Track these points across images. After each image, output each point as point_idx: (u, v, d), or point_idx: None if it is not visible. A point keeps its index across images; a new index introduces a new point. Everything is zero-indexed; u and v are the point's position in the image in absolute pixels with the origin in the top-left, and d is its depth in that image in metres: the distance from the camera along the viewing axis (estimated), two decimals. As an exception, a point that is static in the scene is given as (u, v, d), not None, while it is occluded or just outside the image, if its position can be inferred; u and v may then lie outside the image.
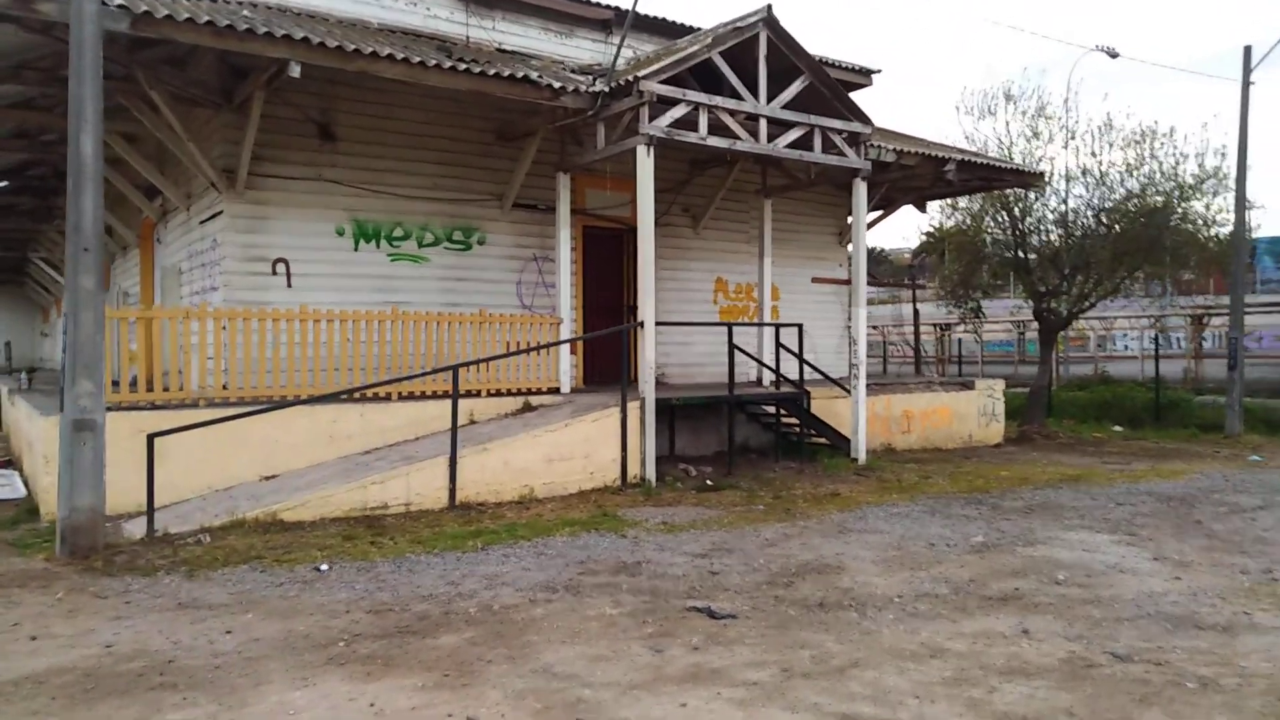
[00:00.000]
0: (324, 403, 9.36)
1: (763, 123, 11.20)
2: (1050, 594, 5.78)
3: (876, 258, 62.60)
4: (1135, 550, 7.06)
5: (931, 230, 21.36)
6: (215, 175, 10.35)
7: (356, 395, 9.68)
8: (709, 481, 10.45)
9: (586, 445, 9.81)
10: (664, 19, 13.98)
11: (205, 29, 8.26)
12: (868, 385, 14.78)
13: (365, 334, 10.12)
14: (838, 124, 11.81)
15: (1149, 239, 17.34)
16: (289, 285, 10.81)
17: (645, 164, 10.31)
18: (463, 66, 9.72)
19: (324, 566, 6.32)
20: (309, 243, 10.97)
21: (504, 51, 12.39)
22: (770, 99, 11.25)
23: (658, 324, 13.55)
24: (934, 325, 33.26)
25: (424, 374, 9.71)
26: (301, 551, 6.75)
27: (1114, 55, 28.04)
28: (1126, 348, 32.26)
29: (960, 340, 29.78)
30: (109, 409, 8.30)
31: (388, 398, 9.92)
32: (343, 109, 11.16)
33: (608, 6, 13.47)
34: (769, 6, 11.12)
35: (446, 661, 4.45)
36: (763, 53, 11.12)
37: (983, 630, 5.05)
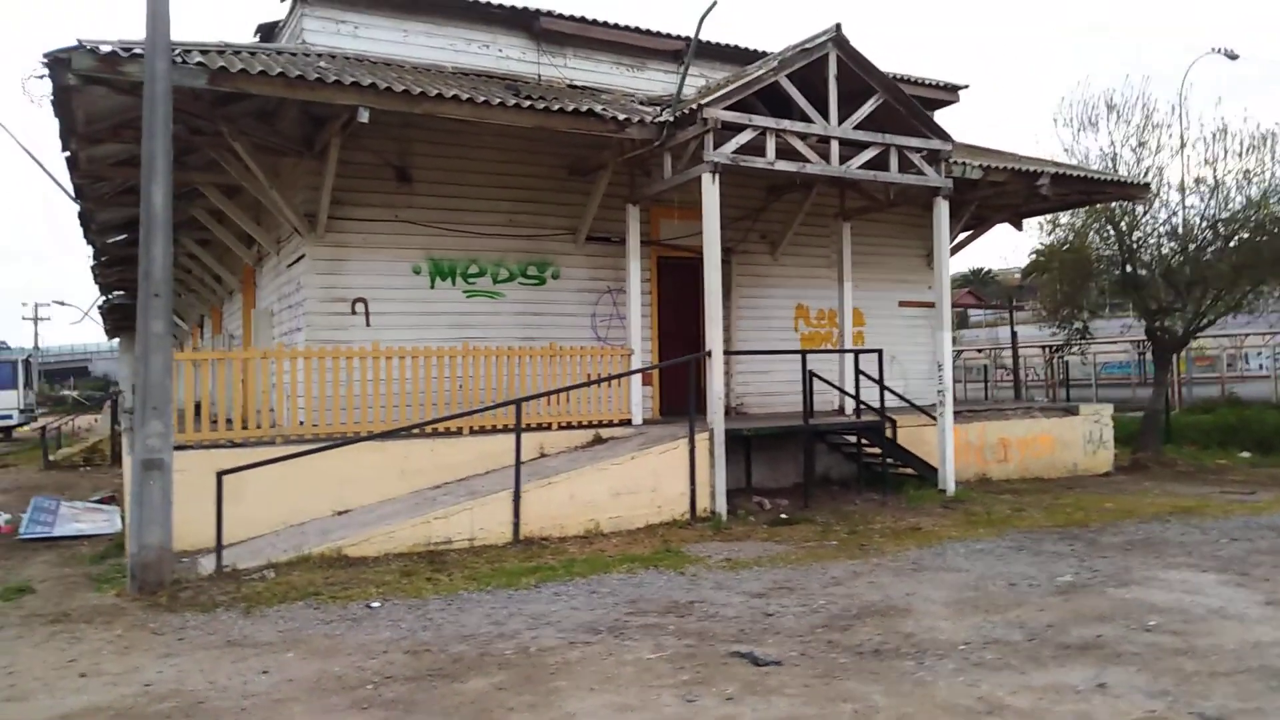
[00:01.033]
0: (394, 438, 9.50)
1: (834, 144, 10.91)
2: (1138, 642, 5.25)
3: (983, 279, 60.40)
4: (1245, 592, 6.38)
5: (1039, 249, 20.33)
6: (297, 220, 10.75)
7: (429, 430, 9.81)
8: (783, 515, 10.10)
9: (653, 478, 9.64)
10: (736, 46, 13.86)
11: (278, 80, 8.61)
12: (961, 413, 14.17)
13: (436, 370, 10.25)
14: (915, 142, 11.40)
15: (1274, 250, 16.07)
16: (368, 324, 11.09)
17: (710, 191, 10.15)
18: (527, 104, 9.82)
19: (375, 604, 6.34)
20: (386, 282, 11.25)
21: (575, 87, 12.50)
22: (842, 120, 10.95)
23: (730, 353, 13.43)
24: (1043, 347, 31.71)
25: (486, 409, 9.73)
26: (359, 588, 6.80)
27: (1233, 57, 26.39)
28: (1261, 366, 29.94)
29: (1067, 363, 28.28)
30: (189, 447, 8.71)
31: (459, 432, 10.00)
32: (418, 151, 11.45)
33: (678, 37, 13.46)
34: (838, 26, 10.88)
35: (468, 708, 4.34)
36: (832, 73, 10.85)
37: (1052, 684, 4.60)
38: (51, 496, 11.52)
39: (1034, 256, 21.88)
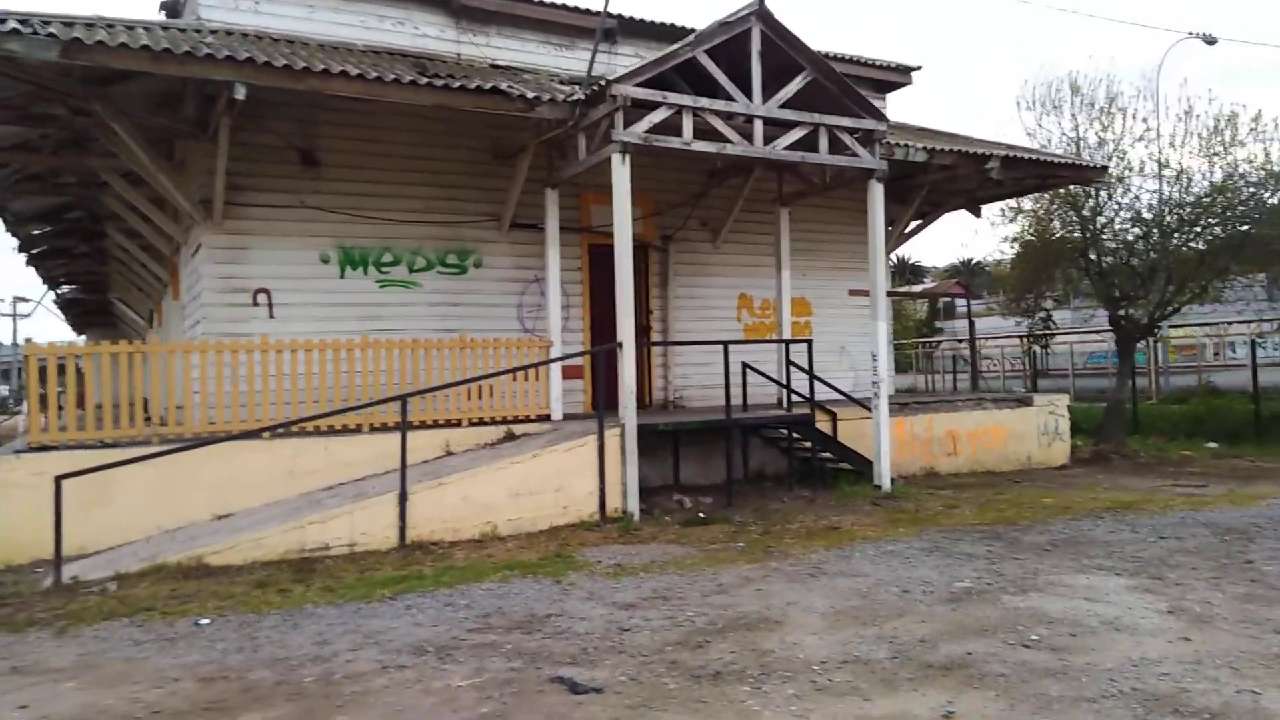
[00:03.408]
0: (283, 437, 8.97)
1: (758, 124, 10.36)
2: (1009, 661, 4.74)
3: (972, 270, 59.89)
4: (1150, 600, 5.88)
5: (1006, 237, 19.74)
6: (191, 207, 10.20)
7: (324, 428, 9.29)
8: (701, 514, 9.59)
9: (559, 477, 9.11)
10: (673, 25, 13.28)
11: (142, 54, 8.05)
12: (909, 404, 13.69)
13: (334, 364, 9.71)
14: (846, 122, 10.85)
15: (1238, 235, 15.57)
16: (271, 316, 10.54)
17: (620, 172, 9.62)
18: (424, 81, 9.27)
19: (205, 621, 5.81)
20: (292, 271, 10.70)
21: (498, 67, 11.93)
22: (767, 98, 10.40)
23: (654, 344, 12.92)
24: (1021, 337, 31.22)
25: (368, 404, 9.18)
26: (200, 602, 6.28)
27: (1211, 42, 25.78)
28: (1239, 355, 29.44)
29: (1034, 353, 27.77)
30: (53, 448, 8.21)
31: (357, 430, 9.47)
32: (326, 134, 10.90)
33: (611, 15, 12.86)
34: (761, 0, 10.31)
35: (220, 748, 3.83)
36: (756, 49, 10.30)
37: (894, 713, 4.09)
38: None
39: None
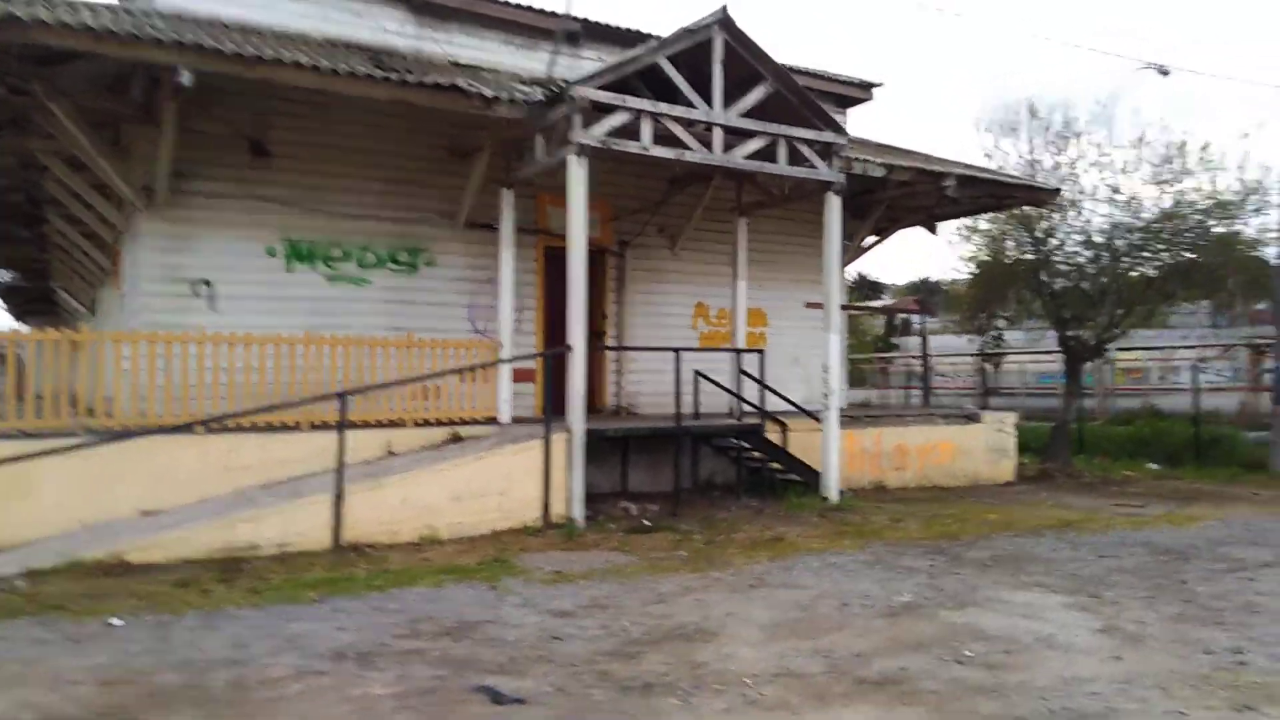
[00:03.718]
0: (218, 433, 8.69)
1: (717, 132, 10.31)
2: (944, 676, 4.69)
3: (930, 288, 60.74)
4: (1085, 618, 5.88)
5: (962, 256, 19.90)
6: (133, 193, 9.89)
7: (262, 424, 9.02)
8: (646, 522, 9.48)
9: (503, 481, 8.95)
10: (634, 30, 13.17)
11: (83, 34, 7.77)
12: (860, 418, 13.72)
13: (274, 359, 9.44)
14: (806, 133, 10.85)
15: (1185, 262, 15.90)
16: (212, 308, 10.25)
17: (577, 175, 9.50)
18: (379, 75, 9.09)
19: (117, 621, 5.57)
20: (236, 263, 10.42)
21: (458, 65, 11.75)
22: (728, 107, 10.37)
23: (607, 348, 12.83)
24: (976, 355, 31.65)
25: (304, 401, 8.93)
26: (115, 601, 6.02)
27: (1165, 73, 26.29)
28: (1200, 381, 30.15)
29: (984, 370, 28.15)
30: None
31: (296, 427, 9.21)
32: (278, 125, 10.64)
33: (575, 18, 12.78)
34: (724, 8, 10.26)
35: (115, 756, 3.63)
36: (718, 57, 10.25)
37: (823, 728, 4.02)
38: None
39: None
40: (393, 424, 9.73)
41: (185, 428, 8.51)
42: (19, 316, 34.65)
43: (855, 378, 39.40)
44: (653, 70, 10.04)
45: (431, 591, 6.44)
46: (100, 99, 9.51)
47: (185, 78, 8.20)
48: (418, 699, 4.28)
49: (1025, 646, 5.23)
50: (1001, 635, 5.45)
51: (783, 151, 10.76)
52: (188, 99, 9.03)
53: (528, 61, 12.56)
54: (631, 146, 9.80)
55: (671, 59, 10.01)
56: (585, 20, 12.83)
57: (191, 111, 9.70)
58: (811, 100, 10.96)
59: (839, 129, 11.21)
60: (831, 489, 10.98)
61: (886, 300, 49.49)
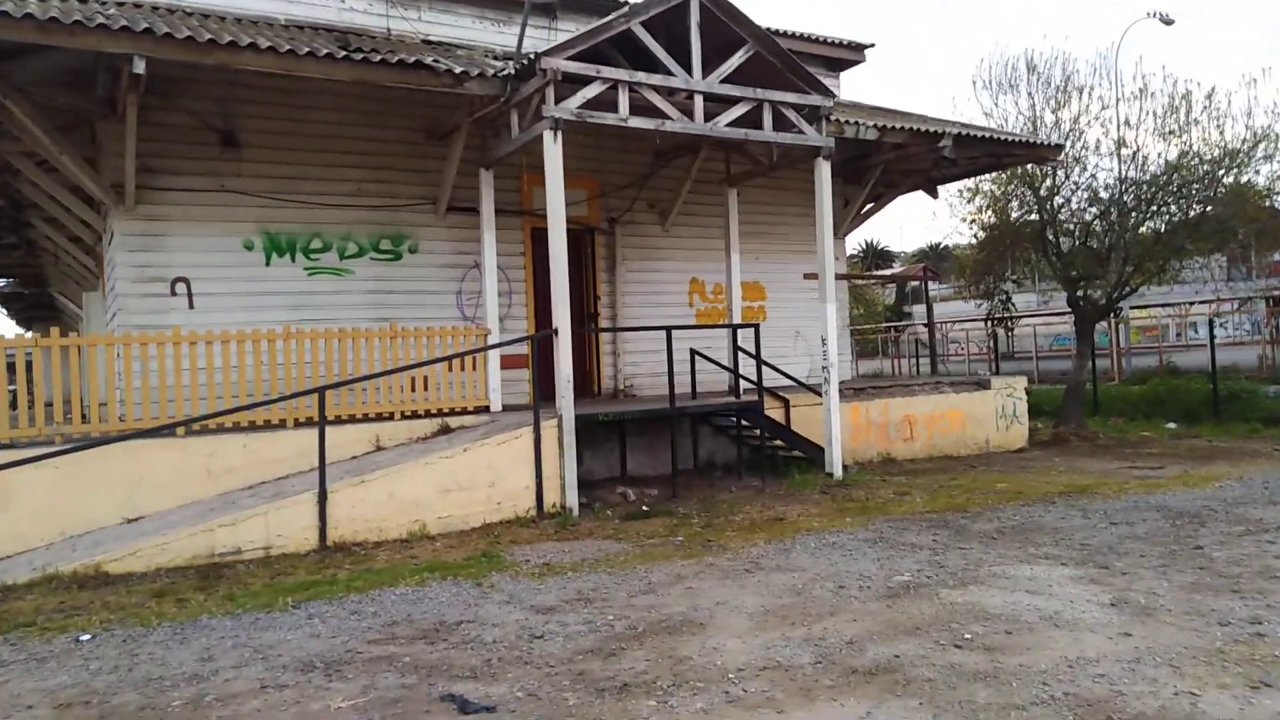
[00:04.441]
0: (199, 435, 8.48)
1: (698, 100, 9.97)
2: (940, 662, 4.42)
3: (940, 254, 60.05)
4: (1094, 591, 5.59)
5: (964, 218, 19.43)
6: (103, 192, 9.63)
7: (244, 424, 8.80)
8: (644, 507, 9.24)
9: (491, 472, 8.70)
10: (614, 0, 12.79)
11: (25, 24, 7.47)
12: (864, 389, 13.42)
13: (254, 356, 9.19)
14: (791, 97, 10.49)
15: (1194, 215, 15.44)
16: (191, 306, 10.02)
17: (552, 150, 9.18)
18: (341, 55, 8.77)
19: (86, 636, 5.36)
20: (213, 259, 10.17)
21: (430, 43, 11.41)
22: (708, 74, 10.01)
23: (598, 330, 12.54)
24: (985, 320, 31.22)
25: (283, 398, 8.68)
26: (88, 614, 5.82)
27: (1169, 22, 25.69)
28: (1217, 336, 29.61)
29: (995, 334, 27.66)
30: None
31: (280, 425, 8.98)
32: (247, 113, 10.35)
33: (551, -10, 12.39)
34: (701, -31, 9.90)
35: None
36: (695, 21, 9.90)
37: (809, 727, 3.75)
38: None
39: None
40: (380, 417, 9.48)
41: (165, 430, 8.30)
42: (22, 323, 34.64)
43: (867, 348, 39.06)
44: (628, 38, 9.69)
45: (413, 591, 6.21)
46: (61, 95, 9.24)
47: (139, 66, 7.91)
48: (379, 711, 4.04)
49: (1028, 626, 4.95)
50: (1004, 614, 5.17)
51: (768, 117, 10.40)
52: (150, 91, 8.78)
53: (502, 37, 12.21)
54: (608, 118, 9.47)
55: (647, 26, 9.66)
56: (561, -8, 12.45)
57: (155, 104, 9.46)
58: (795, 63, 10.57)
59: (826, 91, 10.82)
60: (835, 464, 10.70)
61: (897, 268, 48.84)
